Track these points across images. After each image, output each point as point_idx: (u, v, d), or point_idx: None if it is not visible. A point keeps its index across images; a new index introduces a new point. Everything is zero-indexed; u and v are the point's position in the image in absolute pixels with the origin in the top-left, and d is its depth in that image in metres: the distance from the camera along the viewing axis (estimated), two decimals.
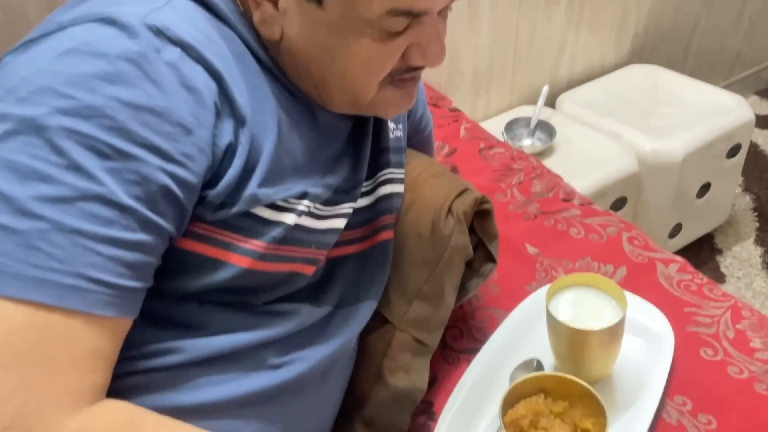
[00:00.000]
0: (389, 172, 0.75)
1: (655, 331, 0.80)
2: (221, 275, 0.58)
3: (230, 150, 0.55)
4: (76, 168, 0.47)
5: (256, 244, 0.59)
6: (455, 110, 1.31)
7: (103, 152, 0.48)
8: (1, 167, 0.46)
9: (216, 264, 0.57)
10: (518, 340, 0.83)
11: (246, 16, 0.60)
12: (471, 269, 0.83)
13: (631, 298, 0.83)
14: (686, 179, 1.63)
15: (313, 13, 0.56)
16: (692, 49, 2.14)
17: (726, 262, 1.86)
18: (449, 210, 0.78)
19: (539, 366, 0.80)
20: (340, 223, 0.68)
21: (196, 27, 0.55)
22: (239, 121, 0.56)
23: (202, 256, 0.57)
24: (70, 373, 0.46)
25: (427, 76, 1.53)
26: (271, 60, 0.61)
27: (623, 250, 0.95)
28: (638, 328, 0.81)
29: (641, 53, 1.99)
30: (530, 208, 1.04)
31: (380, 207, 0.74)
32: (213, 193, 0.55)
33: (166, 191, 0.50)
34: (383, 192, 0.74)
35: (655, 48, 2.02)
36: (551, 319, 0.74)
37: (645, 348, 0.79)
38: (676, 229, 1.74)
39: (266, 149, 0.58)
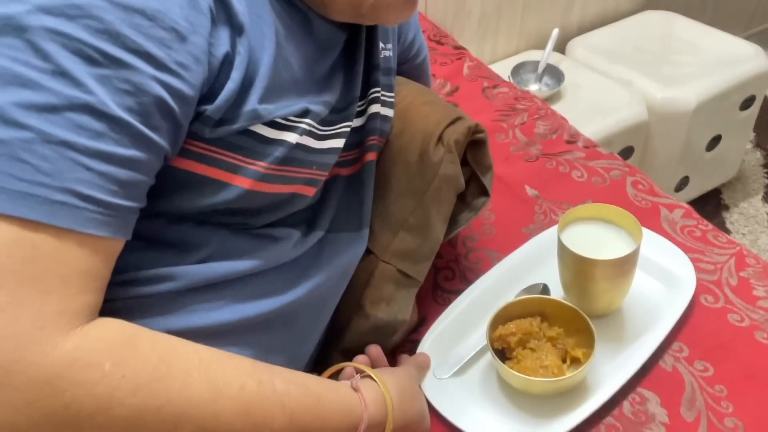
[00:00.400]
0: (378, 92, 0.71)
1: (677, 276, 0.77)
2: (222, 196, 0.54)
3: (227, 60, 0.50)
4: (62, 74, 0.42)
5: (258, 165, 0.55)
6: (459, 48, 1.26)
7: (92, 57, 0.43)
8: None
9: (216, 184, 0.54)
10: (528, 267, 0.81)
11: None
12: (463, 202, 0.79)
13: (658, 239, 0.81)
14: (696, 130, 1.57)
15: None
16: None
17: (732, 218, 1.82)
18: (440, 138, 0.74)
19: (545, 290, 0.78)
20: (339, 143, 0.65)
21: None
22: (236, 29, 0.51)
23: (201, 176, 0.53)
24: (61, 291, 0.42)
25: (432, 12, 1.47)
26: None
27: (626, 194, 0.91)
28: (660, 269, 0.78)
29: None
30: (532, 149, 1.00)
31: (369, 127, 0.70)
32: (211, 108, 0.50)
33: (159, 103, 0.46)
34: (372, 111, 0.70)
35: None
36: (560, 246, 0.71)
37: (662, 290, 0.77)
38: (683, 183, 1.70)
39: (265, 61, 0.54)
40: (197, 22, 0.48)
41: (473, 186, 0.79)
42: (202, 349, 0.49)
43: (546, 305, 0.73)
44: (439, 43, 1.26)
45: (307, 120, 0.58)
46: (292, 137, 0.57)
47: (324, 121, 0.62)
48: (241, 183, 0.55)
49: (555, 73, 1.57)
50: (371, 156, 0.71)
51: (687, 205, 0.90)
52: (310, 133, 0.59)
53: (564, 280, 0.75)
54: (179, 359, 0.46)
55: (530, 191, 0.94)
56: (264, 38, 0.54)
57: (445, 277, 0.84)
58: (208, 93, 0.50)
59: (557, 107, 1.49)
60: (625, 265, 0.70)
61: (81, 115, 0.42)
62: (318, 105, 0.60)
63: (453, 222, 0.79)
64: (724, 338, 0.72)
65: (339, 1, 0.58)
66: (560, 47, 1.74)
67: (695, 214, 0.88)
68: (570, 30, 1.79)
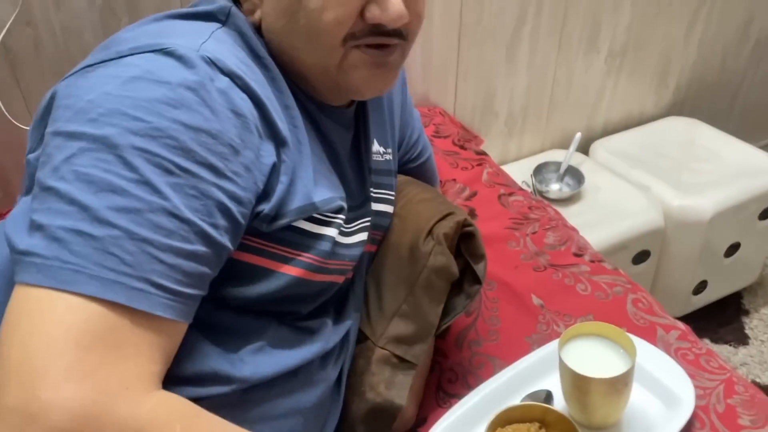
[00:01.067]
0: (374, 191, 0.80)
1: (677, 396, 0.81)
2: (272, 284, 0.64)
3: (275, 168, 0.61)
4: (145, 183, 0.52)
5: (305, 256, 0.65)
6: (481, 153, 1.35)
7: (168, 169, 0.53)
8: (77, 180, 0.51)
9: (270, 274, 0.64)
10: (532, 376, 0.86)
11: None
12: (460, 290, 0.87)
13: (663, 357, 0.86)
14: (714, 238, 1.61)
15: None
16: (736, 105, 2.12)
17: (752, 324, 1.83)
18: (430, 231, 0.82)
19: (549, 397, 0.82)
20: (364, 236, 0.75)
21: (237, 57, 0.62)
22: (279, 142, 0.62)
23: (257, 266, 0.63)
24: (137, 359, 0.50)
25: (461, 113, 1.57)
26: (271, 57, 0.66)
27: (626, 311, 0.96)
28: (662, 387, 0.82)
29: (682, 106, 1.99)
30: (541, 259, 1.07)
31: (373, 222, 0.79)
32: (268, 207, 0.61)
33: (220, 205, 0.56)
34: (376, 208, 0.79)
35: (696, 102, 2.01)
36: (560, 361, 0.76)
37: (661, 408, 0.81)
38: (701, 286, 1.73)
39: (305, 165, 0.65)
40: (247, 139, 0.58)
41: (469, 275, 0.86)
42: None
43: (547, 413, 0.77)
44: (462, 148, 1.35)
45: (341, 216, 0.68)
46: (332, 231, 0.67)
47: (347, 219, 0.71)
48: (290, 271, 0.64)
49: (576, 175, 1.64)
50: (371, 248, 0.80)
51: (684, 326, 0.94)
52: (341, 231, 0.69)
53: (564, 392, 0.80)
54: None
55: (536, 300, 1.00)
56: (301, 146, 0.65)
57: (449, 380, 0.90)
58: (263, 195, 0.60)
59: (576, 208, 1.56)
60: (618, 384, 0.75)
61: (159, 216, 0.52)
62: (344, 202, 0.69)
63: (450, 307, 0.86)
64: None
65: (314, 72, 0.67)
66: (584, 147, 1.82)
67: (691, 336, 0.92)
68: (594, 131, 1.87)
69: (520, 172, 1.65)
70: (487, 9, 1.47)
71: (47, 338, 0.47)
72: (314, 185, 0.65)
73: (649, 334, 0.92)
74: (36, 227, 0.50)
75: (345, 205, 0.69)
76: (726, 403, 0.82)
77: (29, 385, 0.45)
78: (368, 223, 0.76)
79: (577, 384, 0.76)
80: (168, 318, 0.53)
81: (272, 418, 0.65)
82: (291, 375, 0.67)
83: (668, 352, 0.89)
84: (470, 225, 0.84)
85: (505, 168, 1.72)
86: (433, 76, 1.51)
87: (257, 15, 0.66)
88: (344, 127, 0.75)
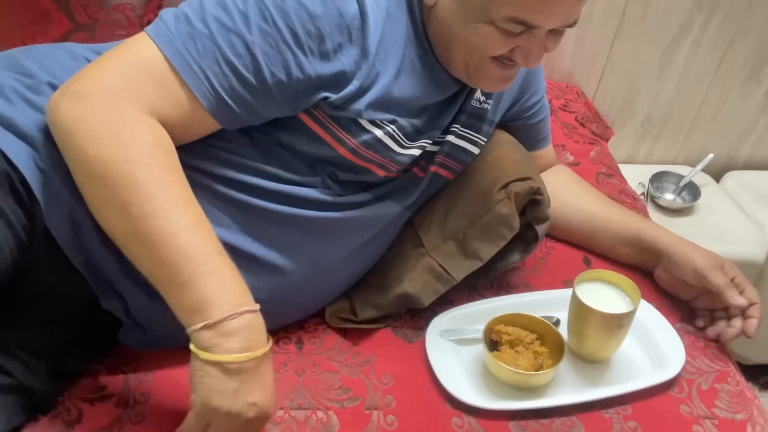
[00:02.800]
0: (457, 127, 0.96)
1: (666, 357, 0.92)
2: (326, 151, 0.85)
3: (348, 73, 0.79)
4: (245, 16, 0.74)
5: (351, 140, 0.84)
6: (597, 136, 1.45)
7: (265, 17, 0.74)
8: None
9: (321, 140, 0.84)
10: (551, 304, 0.99)
11: None
12: (521, 244, 1.02)
13: (667, 327, 0.97)
14: None
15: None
16: None
17: None
18: (506, 185, 0.97)
19: (556, 323, 0.96)
20: (416, 152, 0.92)
21: None
22: (363, 53, 0.80)
23: (316, 133, 0.84)
24: (163, 101, 0.72)
25: (600, 101, 1.66)
26: (422, 22, 0.85)
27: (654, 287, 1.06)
28: (655, 348, 0.94)
29: None
30: None
31: (441, 149, 0.95)
32: (334, 97, 0.80)
33: (284, 62, 0.75)
34: (452, 141, 0.96)
35: None
36: (573, 292, 0.89)
37: (648, 364, 0.92)
38: None
39: (381, 82, 0.82)
40: (336, 36, 0.77)
41: (531, 234, 1.00)
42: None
43: (548, 332, 0.92)
44: (582, 125, 1.46)
45: (392, 126, 0.85)
46: (378, 133, 0.85)
47: (408, 136, 0.89)
48: (337, 147, 0.84)
49: (693, 192, 1.67)
50: (434, 168, 0.97)
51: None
52: (393, 138, 0.87)
53: (568, 320, 0.93)
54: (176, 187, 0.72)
55: (585, 260, 1.12)
56: (387, 66, 0.82)
57: (484, 287, 1.05)
58: (330, 85, 0.79)
59: (680, 220, 1.61)
60: (612, 321, 0.87)
61: (238, 40, 0.74)
62: (405, 122, 0.87)
63: (506, 256, 1.02)
64: (669, 423, 0.86)
65: (456, 60, 0.85)
66: (717, 173, 1.83)
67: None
68: (734, 161, 1.86)
69: (643, 174, 1.71)
70: (653, 9, 1.54)
71: (129, 54, 0.73)
72: (380, 100, 0.82)
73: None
74: (177, 8, 0.75)
75: (401, 122, 0.85)
76: (713, 386, 0.91)
77: (99, 69, 0.73)
78: (426, 145, 0.92)
79: (579, 311, 0.89)
80: (200, 102, 0.73)
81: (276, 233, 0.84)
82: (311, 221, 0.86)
83: (680, 334, 0.98)
84: (541, 194, 0.98)
85: (627, 168, 1.78)
86: (581, 58, 1.61)
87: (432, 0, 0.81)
88: (455, 78, 0.91)
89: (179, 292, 0.69)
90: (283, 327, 0.95)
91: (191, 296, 0.68)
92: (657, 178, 1.71)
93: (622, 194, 1.27)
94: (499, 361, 0.87)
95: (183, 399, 0.84)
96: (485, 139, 1.03)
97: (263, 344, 0.70)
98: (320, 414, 0.84)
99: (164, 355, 0.89)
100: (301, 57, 0.76)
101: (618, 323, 0.88)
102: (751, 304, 0.94)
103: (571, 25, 0.81)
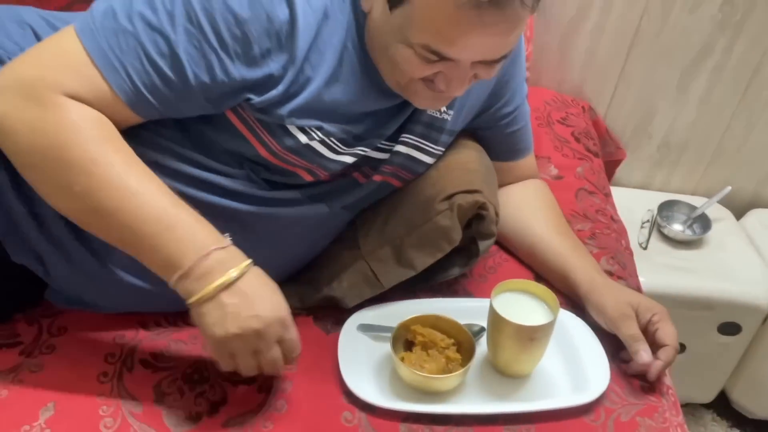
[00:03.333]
0: (414, 139, 0.93)
1: (588, 380, 0.87)
2: (247, 150, 0.84)
3: (275, 77, 0.77)
4: (171, 16, 0.73)
5: (274, 144, 0.83)
6: (591, 150, 1.38)
7: (191, 19, 0.73)
8: None
9: (244, 139, 0.83)
10: (479, 313, 0.93)
11: None
12: (462, 257, 0.99)
13: (598, 349, 0.92)
14: None
15: (385, 13, 0.75)
16: None
17: None
18: (450, 196, 0.94)
19: (480, 332, 0.92)
20: (350, 159, 0.89)
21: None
22: (291, 58, 0.77)
23: (238, 130, 0.83)
24: (80, 87, 0.72)
25: (613, 119, 1.59)
26: (361, 27, 0.81)
27: None
28: (578, 368, 0.89)
29: None
30: None
31: (390, 159, 0.93)
32: (257, 100, 0.78)
33: (207, 64, 0.74)
34: (403, 151, 0.93)
35: None
36: (490, 303, 0.85)
37: (567, 385, 0.88)
38: None
39: (310, 88, 0.80)
40: (264, 41, 0.75)
41: (475, 249, 0.97)
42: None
43: (465, 339, 0.88)
44: (577, 140, 1.40)
45: (319, 132, 0.83)
46: (303, 138, 0.83)
47: (344, 142, 0.86)
48: (258, 148, 0.83)
49: (705, 225, 1.57)
50: (380, 178, 0.94)
51: None
52: (325, 144, 0.85)
53: (487, 332, 0.89)
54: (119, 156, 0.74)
55: (537, 278, 1.06)
56: (319, 71, 0.79)
57: (423, 290, 1.02)
58: (253, 88, 0.77)
59: (684, 252, 1.52)
60: (523, 333, 0.82)
61: (161, 40, 0.73)
62: (335, 128, 0.84)
63: (448, 268, 0.99)
64: None
65: (386, 75, 0.82)
66: (739, 209, 1.72)
67: None
68: (761, 199, 1.74)
69: (655, 201, 1.63)
70: (671, 25, 1.46)
71: (50, 46, 0.75)
72: (307, 106, 0.79)
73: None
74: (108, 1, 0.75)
75: (328, 128, 0.82)
76: (633, 418, 0.85)
77: (18, 62, 0.74)
78: (362, 153, 0.89)
79: (493, 321, 0.85)
80: (118, 97, 0.74)
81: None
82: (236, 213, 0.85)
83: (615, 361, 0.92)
84: (486, 209, 0.94)
85: (641, 193, 1.70)
86: (591, 71, 1.55)
87: (367, 6, 0.78)
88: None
89: (148, 253, 0.73)
90: None
91: (158, 254, 0.72)
92: (667, 207, 1.62)
93: (598, 213, 1.21)
94: (402, 361, 0.84)
95: (84, 356, 0.87)
96: (442, 149, 1.00)
97: (240, 268, 0.73)
98: (212, 389, 0.84)
99: (84, 316, 0.91)
100: (227, 60, 0.75)
101: (529, 336, 0.83)
102: (661, 346, 0.88)
103: (497, 61, 0.76)
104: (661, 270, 1.47)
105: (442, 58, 0.73)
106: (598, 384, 0.86)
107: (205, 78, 0.75)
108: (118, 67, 0.73)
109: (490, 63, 0.76)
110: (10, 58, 0.83)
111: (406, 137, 0.92)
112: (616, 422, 0.84)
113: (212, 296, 0.72)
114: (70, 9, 1.31)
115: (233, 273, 0.72)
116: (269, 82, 0.78)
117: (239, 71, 0.76)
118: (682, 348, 1.54)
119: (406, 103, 0.89)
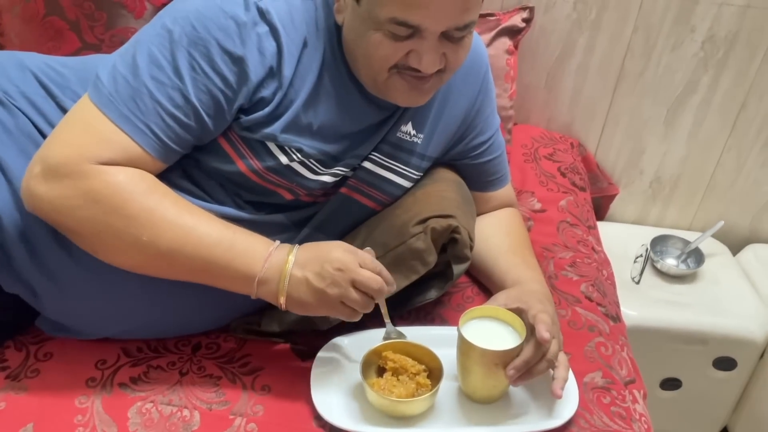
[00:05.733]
0: (379, 157, 0.97)
1: (554, 409, 0.88)
2: (229, 167, 0.89)
3: (266, 100, 0.86)
4: (177, 70, 0.81)
5: (255, 162, 0.89)
6: (576, 185, 1.41)
7: (194, 67, 0.81)
8: (142, 50, 0.82)
9: (229, 159, 0.89)
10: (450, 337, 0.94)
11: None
12: (440, 281, 1.01)
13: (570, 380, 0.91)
14: None
15: (354, 8, 0.83)
16: None
17: None
18: (425, 220, 0.97)
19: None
20: (329, 179, 0.94)
21: (292, 16, 0.86)
22: (279, 85, 0.86)
23: (224, 150, 0.89)
24: (113, 154, 0.79)
25: (603, 156, 1.62)
26: (341, 46, 0.89)
27: (582, 348, 1.00)
28: (546, 395, 0.88)
29: None
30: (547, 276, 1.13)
31: (359, 176, 0.97)
32: (245, 119, 0.86)
33: (217, 102, 0.83)
34: (367, 167, 0.97)
35: None
36: (458, 329, 0.87)
37: (535, 412, 0.88)
38: None
39: (292, 109, 0.87)
40: (258, 71, 0.84)
41: (449, 272, 1.00)
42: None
43: (436, 366, 0.89)
44: (563, 174, 1.42)
45: (298, 154, 0.89)
46: (284, 159, 0.89)
47: (322, 162, 0.92)
48: (241, 167, 0.89)
49: (699, 259, 1.57)
50: (344, 191, 0.98)
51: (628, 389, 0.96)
52: (304, 165, 0.90)
53: (456, 358, 0.90)
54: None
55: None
56: (299, 96, 0.87)
57: (400, 316, 1.03)
58: (247, 110, 0.85)
59: (677, 287, 1.52)
60: (486, 358, 0.84)
61: (174, 93, 0.81)
62: (314, 150, 0.90)
63: (425, 292, 1.02)
64: None
65: (365, 77, 0.88)
66: (738, 245, 1.71)
67: (628, 392, 0.94)
68: (759, 234, 1.73)
69: (649, 234, 1.63)
70: (654, 64, 1.50)
71: (78, 123, 0.82)
72: (297, 128, 0.87)
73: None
74: (111, 65, 0.82)
75: (307, 150, 0.89)
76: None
77: (49, 144, 0.81)
78: (342, 174, 0.95)
79: (461, 346, 0.87)
80: (152, 156, 0.82)
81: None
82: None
83: (586, 388, 0.93)
84: (459, 233, 0.97)
85: (637, 228, 1.71)
86: (579, 109, 1.58)
87: (340, 19, 0.87)
88: (380, 108, 0.94)
89: (220, 274, 0.82)
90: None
91: (229, 272, 0.82)
92: (661, 242, 1.62)
93: (579, 244, 1.23)
94: (369, 386, 0.86)
95: (67, 380, 0.90)
96: (416, 173, 1.04)
97: (293, 251, 0.84)
98: (185, 412, 0.86)
99: (70, 343, 0.95)
100: (231, 95, 0.84)
101: (495, 361, 0.84)
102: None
103: (461, 29, 0.82)
104: (654, 304, 1.47)
105: (410, 28, 0.80)
106: (566, 410, 0.87)
107: (218, 116, 0.84)
108: (144, 129, 0.81)
109: (455, 38, 0.83)
110: (11, 101, 0.90)
111: (373, 155, 0.97)
112: None
113: (291, 288, 0.82)
114: (78, 55, 1.39)
115: (291, 257, 0.83)
116: (260, 104, 0.86)
117: (240, 102, 0.85)
118: (678, 384, 1.52)
119: (381, 125, 0.95)
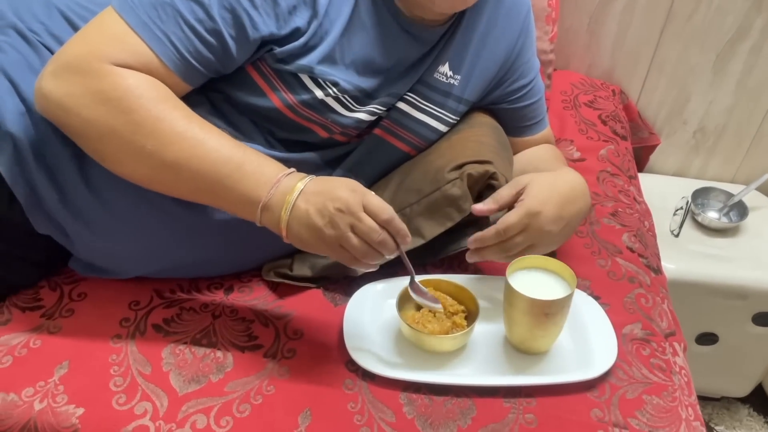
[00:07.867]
0: (415, 98, 0.94)
1: (594, 357, 0.86)
2: (262, 102, 0.86)
3: (300, 30, 0.82)
4: None
5: (289, 95, 0.86)
6: (618, 134, 1.36)
7: None
8: None
9: (262, 93, 0.86)
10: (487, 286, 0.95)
11: None
12: (475, 228, 0.98)
13: (608, 326, 0.90)
14: None
15: None
16: None
17: None
18: (461, 166, 0.94)
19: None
20: (364, 116, 0.91)
21: None
22: (314, 14, 0.82)
23: (256, 84, 0.86)
24: (125, 56, 0.76)
25: (645, 104, 1.55)
26: None
27: (622, 299, 0.98)
28: (586, 348, 0.87)
29: None
30: (586, 225, 1.10)
31: (393, 116, 0.94)
32: (279, 50, 0.83)
33: (240, 22, 0.79)
34: (401, 108, 0.94)
35: None
36: (506, 278, 0.84)
37: (572, 363, 0.86)
38: None
39: (328, 40, 0.84)
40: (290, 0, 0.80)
41: (485, 220, 0.96)
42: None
43: (474, 311, 0.88)
44: (603, 122, 1.37)
45: (334, 88, 0.86)
46: (319, 93, 0.85)
47: (357, 99, 0.89)
48: (275, 102, 0.86)
49: (742, 212, 1.52)
50: (378, 132, 0.95)
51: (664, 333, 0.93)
52: (339, 100, 0.87)
53: (504, 308, 0.88)
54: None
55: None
56: (334, 26, 0.84)
57: (434, 265, 1.01)
58: (281, 41, 0.82)
59: (718, 240, 1.47)
60: (535, 308, 0.81)
61: (197, 6, 0.77)
62: (350, 85, 0.87)
63: (459, 239, 0.99)
64: (569, 423, 0.80)
65: None
66: None
67: (663, 344, 0.91)
68: None
69: (689, 188, 1.58)
70: (704, 6, 1.41)
71: (96, 26, 0.79)
72: (332, 60, 0.83)
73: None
74: None
75: (343, 84, 0.85)
76: (640, 396, 0.83)
77: (68, 47, 0.78)
78: (379, 111, 0.92)
79: (507, 295, 0.84)
80: (167, 66, 0.78)
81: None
82: None
83: (625, 339, 0.90)
84: (496, 179, 0.94)
85: (678, 180, 1.65)
86: (622, 55, 1.51)
87: None
88: (418, 42, 0.90)
89: (225, 194, 0.77)
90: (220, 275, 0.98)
91: (234, 193, 0.76)
92: (703, 194, 1.57)
93: (620, 194, 1.19)
94: (404, 319, 0.84)
95: (101, 320, 0.90)
96: (453, 116, 1.00)
97: (305, 180, 0.77)
98: (219, 353, 0.86)
99: (104, 283, 0.95)
100: (257, 18, 0.79)
101: (543, 310, 0.82)
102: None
103: None
104: (693, 258, 1.43)
105: None
106: (603, 361, 0.85)
107: (240, 37, 0.80)
108: (162, 36, 0.77)
109: None
110: (37, 38, 0.88)
111: (408, 95, 0.94)
112: (621, 399, 0.83)
113: (290, 218, 0.75)
114: None
115: (300, 185, 0.76)
116: (294, 35, 0.82)
117: (268, 28, 0.80)
118: (715, 339, 1.49)
119: (418, 64, 0.91)
